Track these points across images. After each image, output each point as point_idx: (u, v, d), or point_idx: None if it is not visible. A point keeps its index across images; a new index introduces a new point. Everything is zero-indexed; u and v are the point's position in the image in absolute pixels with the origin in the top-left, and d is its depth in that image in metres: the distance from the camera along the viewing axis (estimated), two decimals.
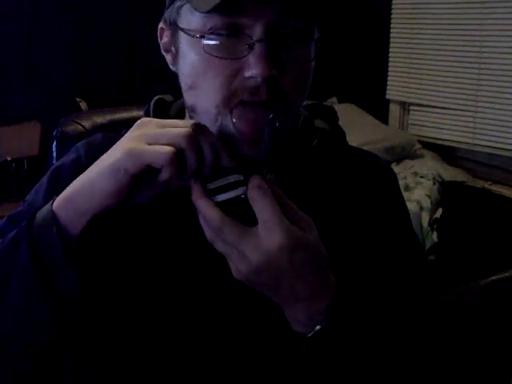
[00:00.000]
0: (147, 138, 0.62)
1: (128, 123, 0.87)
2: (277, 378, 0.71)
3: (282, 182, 0.68)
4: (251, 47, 0.64)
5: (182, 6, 0.69)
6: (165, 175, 0.60)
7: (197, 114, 0.70)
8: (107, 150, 0.65)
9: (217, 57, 0.65)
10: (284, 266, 0.61)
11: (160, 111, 0.79)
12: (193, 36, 0.67)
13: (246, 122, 0.66)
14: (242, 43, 0.65)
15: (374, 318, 0.68)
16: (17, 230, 0.67)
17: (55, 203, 0.65)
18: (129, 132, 0.65)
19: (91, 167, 0.65)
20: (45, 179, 0.80)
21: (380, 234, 0.79)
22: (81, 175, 0.66)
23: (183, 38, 0.69)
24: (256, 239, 0.60)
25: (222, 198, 0.63)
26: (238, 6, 0.63)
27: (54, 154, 1.01)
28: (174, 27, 0.71)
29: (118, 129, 0.85)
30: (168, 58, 0.75)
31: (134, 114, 1.02)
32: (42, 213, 0.65)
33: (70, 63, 2.94)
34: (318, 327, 0.64)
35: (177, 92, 0.78)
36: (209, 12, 0.63)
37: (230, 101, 0.66)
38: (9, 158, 2.80)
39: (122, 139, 0.64)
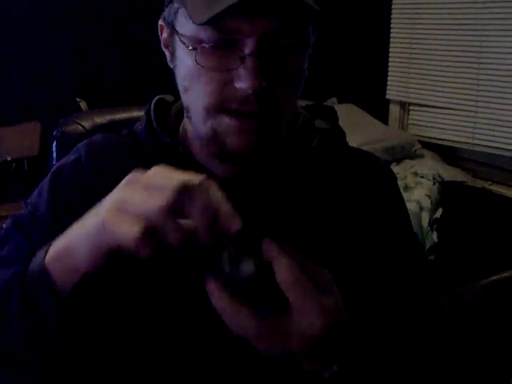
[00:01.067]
0: (123, 206, 0.55)
1: (128, 123, 0.88)
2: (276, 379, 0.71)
3: (282, 182, 0.68)
4: (243, 60, 0.64)
5: (178, 9, 0.69)
6: (141, 255, 0.54)
7: (191, 114, 0.71)
8: (107, 150, 0.65)
9: (211, 70, 0.66)
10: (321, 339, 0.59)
11: (160, 111, 0.80)
12: (187, 46, 0.67)
13: (234, 133, 0.67)
14: (234, 55, 0.65)
15: (374, 316, 0.68)
16: (12, 274, 0.65)
17: (47, 258, 0.62)
18: (115, 190, 0.59)
19: (80, 221, 0.61)
20: (46, 181, 0.79)
21: (379, 233, 0.79)
22: (70, 229, 0.62)
23: (179, 42, 0.70)
24: (292, 327, 0.58)
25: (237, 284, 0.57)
26: (232, 20, 0.63)
27: (54, 155, 1.01)
28: (171, 28, 0.71)
29: (118, 129, 0.85)
30: (167, 53, 0.75)
31: (134, 114, 1.02)
32: (35, 264, 0.62)
33: (70, 63, 2.93)
34: None
35: (177, 92, 0.79)
36: (202, 25, 0.64)
37: (221, 106, 0.67)
38: (9, 158, 2.79)
39: (107, 198, 0.58)
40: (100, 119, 1.03)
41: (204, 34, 0.65)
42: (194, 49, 0.66)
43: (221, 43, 0.65)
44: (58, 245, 0.63)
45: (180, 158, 0.75)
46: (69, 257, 0.61)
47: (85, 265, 0.60)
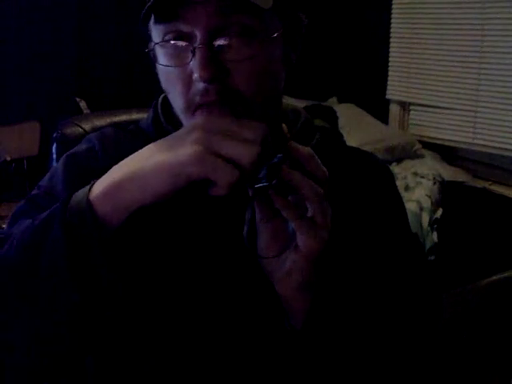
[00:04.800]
0: (213, 146, 0.60)
1: (128, 126, 0.88)
2: (270, 368, 0.73)
3: None
4: (194, 53, 0.66)
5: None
6: (218, 192, 0.60)
7: (178, 116, 0.73)
8: (119, 142, 0.72)
9: (167, 66, 0.68)
10: None
11: (166, 107, 0.82)
12: (149, 50, 0.71)
13: None
14: (188, 50, 0.67)
15: (362, 306, 0.70)
16: (49, 212, 0.65)
17: (93, 195, 0.63)
18: (192, 128, 0.62)
19: (137, 159, 0.64)
20: (59, 165, 0.80)
21: (377, 229, 0.80)
22: (118, 167, 0.64)
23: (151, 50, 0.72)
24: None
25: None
26: (176, 14, 0.65)
27: (54, 156, 1.01)
28: (150, 40, 0.74)
29: None
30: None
31: (134, 116, 1.03)
32: (77, 199, 0.63)
33: (70, 63, 2.94)
34: None
35: None
36: (144, 19, 0.68)
37: (190, 105, 0.69)
38: (8, 158, 2.79)
39: (183, 135, 0.62)
40: (100, 121, 1.03)
41: (160, 33, 0.68)
42: (151, 50, 0.69)
43: (173, 38, 0.67)
44: (106, 183, 0.63)
45: None
46: (128, 191, 0.62)
47: (148, 199, 0.62)
